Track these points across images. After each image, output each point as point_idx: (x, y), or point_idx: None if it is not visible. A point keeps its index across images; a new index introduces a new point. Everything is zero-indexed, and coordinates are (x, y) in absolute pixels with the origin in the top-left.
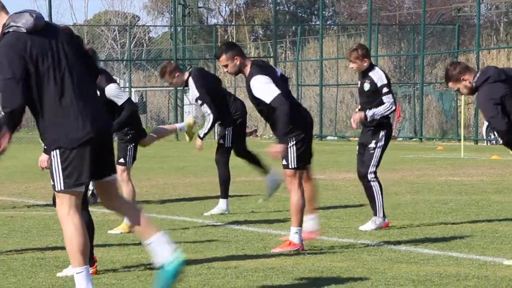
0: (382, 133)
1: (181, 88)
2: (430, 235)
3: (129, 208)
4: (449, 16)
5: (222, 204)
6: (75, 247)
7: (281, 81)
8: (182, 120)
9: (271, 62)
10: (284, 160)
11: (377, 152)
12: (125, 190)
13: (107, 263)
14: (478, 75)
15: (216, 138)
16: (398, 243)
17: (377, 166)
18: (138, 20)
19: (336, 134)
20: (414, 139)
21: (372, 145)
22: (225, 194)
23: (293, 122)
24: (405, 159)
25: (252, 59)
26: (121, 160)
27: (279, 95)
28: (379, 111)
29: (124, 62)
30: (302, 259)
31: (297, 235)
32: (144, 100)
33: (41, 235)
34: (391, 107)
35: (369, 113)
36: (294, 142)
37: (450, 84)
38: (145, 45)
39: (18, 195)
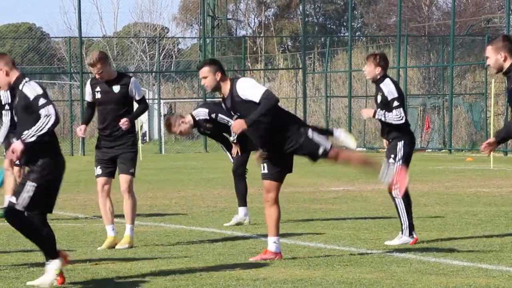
0: (399, 145)
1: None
2: (459, 247)
3: None
4: (479, 27)
5: (240, 212)
6: None
7: None
8: None
9: (300, 73)
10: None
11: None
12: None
13: (136, 274)
14: None
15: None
16: (427, 254)
17: None
18: (167, 32)
19: (365, 145)
20: (443, 151)
21: (391, 160)
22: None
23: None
24: (434, 170)
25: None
26: (132, 170)
27: (268, 90)
28: (389, 116)
29: (153, 74)
30: (331, 270)
31: (275, 244)
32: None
33: (70, 247)
34: (399, 119)
35: (380, 112)
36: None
37: (488, 48)
38: (174, 56)
39: None
